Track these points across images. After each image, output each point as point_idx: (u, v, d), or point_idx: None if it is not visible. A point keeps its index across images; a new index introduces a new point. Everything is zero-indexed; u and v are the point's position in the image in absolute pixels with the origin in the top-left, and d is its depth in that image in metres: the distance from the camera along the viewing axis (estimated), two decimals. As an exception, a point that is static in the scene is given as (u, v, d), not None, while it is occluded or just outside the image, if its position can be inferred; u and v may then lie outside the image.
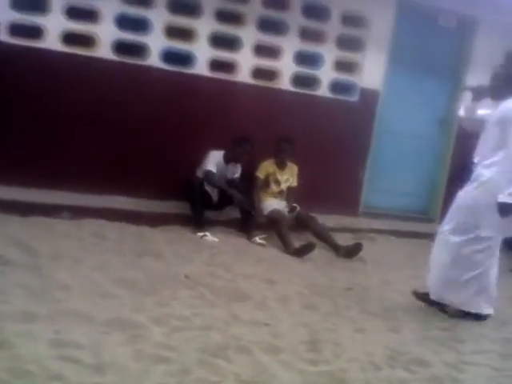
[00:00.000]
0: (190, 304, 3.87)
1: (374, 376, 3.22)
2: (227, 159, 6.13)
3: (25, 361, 2.77)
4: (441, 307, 4.51)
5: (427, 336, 3.96)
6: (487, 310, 4.49)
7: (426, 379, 3.30)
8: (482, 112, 4.81)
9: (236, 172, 6.27)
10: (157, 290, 4.00)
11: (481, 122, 4.65)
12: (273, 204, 6.20)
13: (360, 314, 4.20)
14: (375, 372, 3.28)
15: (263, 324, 3.71)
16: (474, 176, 4.50)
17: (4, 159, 5.60)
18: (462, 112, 4.91)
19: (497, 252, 4.46)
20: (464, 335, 4.08)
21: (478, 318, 4.45)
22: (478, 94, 4.81)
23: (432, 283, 4.56)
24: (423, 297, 4.62)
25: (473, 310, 4.45)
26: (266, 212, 6.13)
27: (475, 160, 4.59)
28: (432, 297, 4.55)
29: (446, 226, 4.55)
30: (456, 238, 4.41)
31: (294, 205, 6.24)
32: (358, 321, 4.05)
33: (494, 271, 4.47)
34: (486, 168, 4.38)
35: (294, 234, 6.00)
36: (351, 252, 5.86)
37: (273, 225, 6.03)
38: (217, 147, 6.07)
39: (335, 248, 5.96)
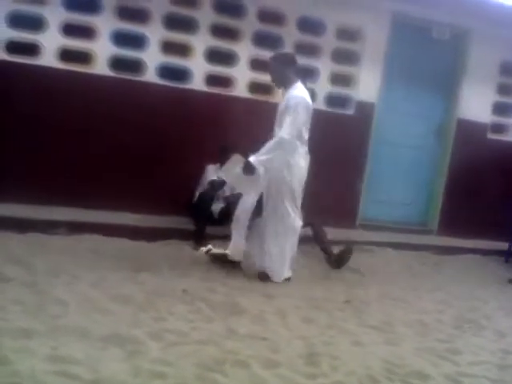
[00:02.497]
0: (188, 319, 3.87)
1: (372, 389, 3.22)
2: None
3: (22, 377, 2.78)
4: None
5: (425, 348, 3.94)
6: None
7: (424, 392, 3.30)
8: None
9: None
10: (154, 305, 3.99)
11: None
12: None
13: (358, 327, 4.19)
14: (373, 385, 3.27)
15: (260, 338, 3.70)
16: None
17: (1, 176, 5.61)
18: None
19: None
20: (462, 347, 4.07)
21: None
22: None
23: None
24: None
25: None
26: None
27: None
28: None
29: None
30: None
31: None
32: (356, 334, 4.04)
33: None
34: None
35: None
36: (342, 258, 5.86)
37: None
38: (215, 161, 6.12)
39: (328, 256, 5.97)
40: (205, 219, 5.88)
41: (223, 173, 5.15)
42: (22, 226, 5.24)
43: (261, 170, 4.94)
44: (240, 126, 6.46)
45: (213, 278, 4.86)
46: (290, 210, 5.05)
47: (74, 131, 5.93)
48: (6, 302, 3.68)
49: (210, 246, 5.63)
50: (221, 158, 6.08)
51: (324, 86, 7.02)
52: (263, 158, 4.92)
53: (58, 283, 4.16)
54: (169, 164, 6.12)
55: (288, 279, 5.13)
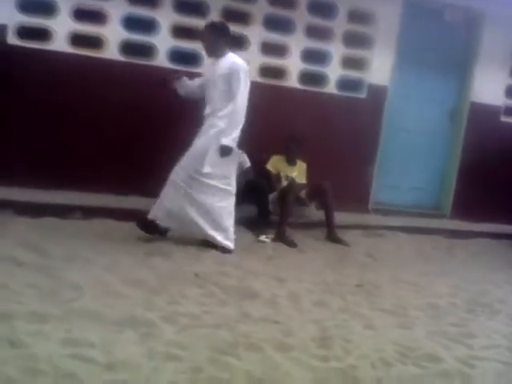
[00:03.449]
0: (201, 302, 3.89)
1: (385, 372, 3.22)
2: None
3: (37, 360, 2.80)
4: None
5: (438, 332, 3.94)
6: (224, 242, 5.12)
7: (437, 375, 3.29)
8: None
9: (245, 162, 6.32)
10: (167, 289, 4.02)
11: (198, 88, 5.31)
12: None
13: (370, 311, 4.19)
14: (386, 368, 3.27)
15: (273, 321, 3.71)
16: (208, 125, 5.10)
17: (15, 161, 5.65)
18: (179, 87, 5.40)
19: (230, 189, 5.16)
20: (475, 330, 4.06)
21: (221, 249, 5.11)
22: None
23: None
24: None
25: (211, 241, 5.11)
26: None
27: (207, 111, 5.14)
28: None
29: (181, 172, 5.07)
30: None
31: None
32: (369, 317, 4.05)
33: (221, 205, 5.11)
34: (219, 119, 5.04)
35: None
36: (336, 242, 6.08)
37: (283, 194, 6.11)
38: None
39: (328, 230, 6.16)
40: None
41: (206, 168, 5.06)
42: (36, 210, 5.27)
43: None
44: (250, 109, 6.44)
45: (225, 262, 4.87)
46: (231, 177, 5.19)
47: (88, 116, 5.94)
48: (20, 286, 3.71)
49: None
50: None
51: (336, 70, 6.98)
52: (234, 134, 5.02)
53: (71, 267, 4.18)
54: (180, 148, 6.10)
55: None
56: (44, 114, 5.81)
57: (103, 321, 3.36)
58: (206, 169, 5.03)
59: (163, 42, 6.24)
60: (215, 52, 5.17)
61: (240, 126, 5.04)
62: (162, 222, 5.12)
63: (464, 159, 7.68)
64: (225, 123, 5.03)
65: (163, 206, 5.07)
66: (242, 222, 6.06)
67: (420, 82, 7.51)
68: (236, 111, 5.01)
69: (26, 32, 5.80)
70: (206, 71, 5.35)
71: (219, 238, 5.13)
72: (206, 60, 5.41)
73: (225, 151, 5.02)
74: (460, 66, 7.67)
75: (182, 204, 5.04)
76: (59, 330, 3.16)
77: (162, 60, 6.22)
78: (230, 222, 5.19)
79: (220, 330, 3.46)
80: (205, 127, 5.14)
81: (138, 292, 3.90)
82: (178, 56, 6.31)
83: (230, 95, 5.03)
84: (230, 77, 5.02)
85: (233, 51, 5.23)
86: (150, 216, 5.10)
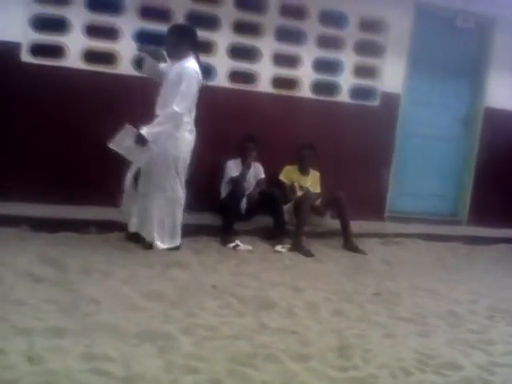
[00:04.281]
0: (218, 314, 3.89)
1: (404, 381, 3.19)
2: (243, 161, 6.26)
3: (56, 375, 2.80)
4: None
5: (458, 339, 3.90)
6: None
7: (457, 382, 3.25)
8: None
9: (259, 172, 6.38)
10: (185, 301, 4.02)
11: (158, 72, 5.29)
12: None
13: (389, 319, 4.17)
14: (406, 377, 3.24)
15: (291, 332, 3.70)
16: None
17: (31, 177, 5.70)
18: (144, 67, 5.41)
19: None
20: (495, 337, 4.02)
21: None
22: (155, 55, 5.30)
23: None
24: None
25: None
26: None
27: (157, 111, 5.13)
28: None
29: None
30: None
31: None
32: (388, 326, 4.02)
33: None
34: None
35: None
36: (353, 250, 6.07)
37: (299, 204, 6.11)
38: (235, 156, 6.28)
39: (345, 239, 6.15)
40: (234, 216, 5.90)
41: (114, 144, 4.98)
42: (52, 226, 5.31)
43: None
44: (264, 120, 6.49)
45: (242, 273, 4.87)
46: (173, 182, 5.18)
47: (104, 131, 5.97)
48: (38, 301, 3.73)
49: (237, 242, 5.67)
50: (241, 149, 6.15)
51: (348, 78, 6.99)
52: (155, 130, 5.00)
53: (89, 281, 4.21)
54: (196, 160, 6.12)
55: (176, 248, 5.29)
56: (57, 130, 5.85)
57: (121, 334, 3.36)
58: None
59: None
60: (175, 55, 5.18)
61: (165, 128, 5.02)
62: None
63: (479, 165, 7.65)
64: (179, 128, 5.12)
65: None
66: (258, 232, 6.08)
67: (433, 89, 7.49)
68: (172, 113, 5.01)
69: (39, 49, 5.87)
70: (164, 72, 5.25)
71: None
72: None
73: (139, 140, 4.94)
74: (473, 72, 7.64)
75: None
76: (78, 345, 3.16)
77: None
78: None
79: (238, 341, 3.46)
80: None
81: (155, 304, 3.91)
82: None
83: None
84: (179, 82, 5.04)
85: (197, 56, 5.25)
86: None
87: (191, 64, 5.12)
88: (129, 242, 5.31)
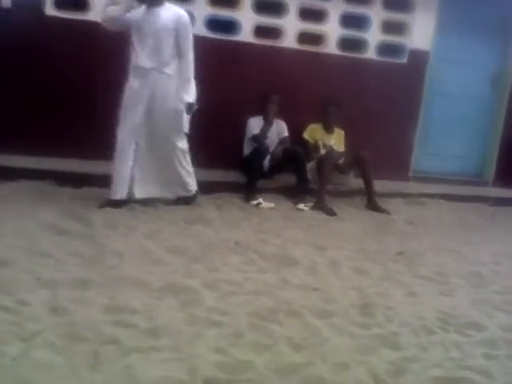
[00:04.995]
0: (241, 269, 3.90)
1: (427, 340, 3.18)
2: (265, 118, 6.19)
3: (80, 326, 2.84)
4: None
5: (481, 299, 3.87)
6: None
7: (480, 342, 3.24)
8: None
9: (283, 131, 6.31)
10: (208, 257, 4.04)
11: (124, 22, 4.87)
12: None
13: (412, 278, 4.15)
14: (428, 336, 3.24)
15: (313, 288, 3.70)
16: (156, 81, 4.89)
17: (55, 132, 5.71)
18: (104, 13, 4.92)
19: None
20: (519, 298, 3.99)
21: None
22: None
23: None
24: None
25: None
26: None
27: (144, 63, 4.86)
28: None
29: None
30: None
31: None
32: (410, 285, 4.01)
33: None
34: (169, 76, 4.90)
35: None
36: (376, 210, 6.03)
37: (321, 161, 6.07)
38: (257, 113, 6.21)
39: (369, 199, 6.12)
40: (257, 173, 5.88)
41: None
42: (77, 180, 5.35)
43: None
44: (290, 76, 6.40)
45: (264, 230, 4.87)
46: (179, 131, 5.11)
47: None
48: (63, 254, 3.78)
49: (260, 199, 5.66)
50: (265, 105, 6.09)
51: (376, 35, 6.84)
52: (193, 90, 4.95)
53: (114, 235, 4.24)
54: (218, 117, 6.08)
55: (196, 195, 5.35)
56: (83, 84, 5.82)
57: (145, 287, 3.39)
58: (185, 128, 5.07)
59: (201, 11, 6.18)
60: (155, 1, 4.85)
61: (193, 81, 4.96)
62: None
63: (507, 125, 7.50)
64: (176, 79, 4.93)
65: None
66: (281, 190, 6.06)
67: (463, 46, 7.29)
68: (190, 67, 4.91)
69: (63, 2, 5.81)
70: (140, 19, 4.85)
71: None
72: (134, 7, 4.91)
73: (191, 108, 4.96)
74: (504, 29, 7.43)
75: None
76: (101, 297, 3.20)
77: (200, 29, 6.16)
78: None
79: (260, 296, 3.47)
80: (149, 81, 4.89)
81: (178, 259, 3.93)
82: (216, 24, 6.26)
83: (176, 49, 4.89)
84: (178, 31, 4.85)
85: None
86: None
87: (181, 10, 4.92)
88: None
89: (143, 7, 4.87)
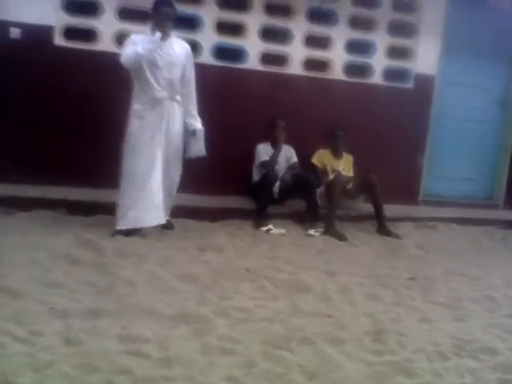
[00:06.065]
0: (252, 296, 3.90)
1: (441, 366, 3.16)
2: (273, 145, 6.25)
3: (93, 356, 2.83)
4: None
5: (494, 324, 3.85)
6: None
7: (494, 367, 3.21)
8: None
9: (292, 156, 6.35)
10: (219, 284, 4.04)
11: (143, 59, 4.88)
12: None
13: (424, 304, 4.13)
14: (442, 362, 3.21)
15: (326, 315, 3.69)
16: (170, 109, 5.07)
17: (65, 161, 5.77)
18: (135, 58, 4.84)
19: None
20: (533, 322, 3.96)
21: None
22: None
23: None
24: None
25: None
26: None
27: (161, 94, 4.99)
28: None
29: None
30: None
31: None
32: (423, 310, 3.99)
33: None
34: (179, 103, 5.13)
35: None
36: (387, 235, 6.02)
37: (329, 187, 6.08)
38: (265, 140, 6.27)
39: (379, 224, 6.11)
40: (267, 199, 5.90)
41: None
42: (88, 208, 5.38)
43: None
44: (296, 103, 6.45)
45: (275, 257, 4.87)
46: (180, 161, 5.24)
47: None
48: (76, 283, 3.79)
49: (270, 226, 5.67)
50: (272, 131, 6.13)
51: (381, 60, 6.90)
52: (198, 116, 5.25)
53: (125, 264, 4.25)
54: (228, 144, 6.12)
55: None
56: (91, 113, 5.88)
57: (157, 316, 3.39)
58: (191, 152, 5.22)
59: (208, 39, 6.26)
60: (171, 30, 5.00)
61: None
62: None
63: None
64: (183, 106, 5.14)
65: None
66: (291, 216, 6.07)
67: (468, 70, 7.33)
68: (194, 94, 5.19)
69: (72, 33, 5.92)
70: (151, 49, 4.86)
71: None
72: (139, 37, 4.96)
73: (200, 133, 5.19)
74: (508, 53, 7.47)
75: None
76: (114, 327, 3.20)
77: (206, 57, 6.24)
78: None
79: (273, 323, 3.46)
80: (164, 110, 5.02)
81: (190, 287, 3.93)
82: (223, 52, 6.35)
83: (182, 78, 5.10)
84: (186, 62, 5.11)
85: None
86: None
87: (183, 41, 5.19)
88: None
89: (155, 38, 4.88)
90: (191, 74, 5.16)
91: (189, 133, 5.18)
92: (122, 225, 4.93)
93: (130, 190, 4.94)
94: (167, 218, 5.23)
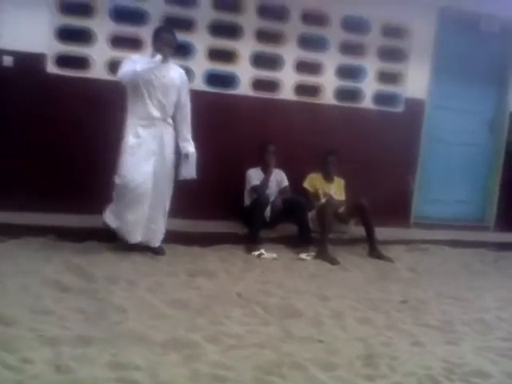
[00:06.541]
0: (244, 322, 3.88)
1: (432, 390, 3.16)
2: (264, 169, 6.27)
3: (83, 384, 2.81)
4: None
5: (486, 347, 3.84)
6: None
7: (486, 391, 3.21)
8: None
9: (283, 180, 6.37)
10: (210, 310, 4.03)
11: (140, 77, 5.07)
12: None
13: (416, 327, 4.12)
14: (434, 386, 3.21)
15: (317, 340, 3.68)
16: (161, 131, 5.22)
17: (56, 187, 5.77)
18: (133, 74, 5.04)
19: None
20: (525, 345, 3.96)
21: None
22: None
23: None
24: None
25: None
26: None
27: (154, 114, 5.15)
28: None
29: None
30: None
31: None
32: (415, 334, 3.98)
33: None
34: (170, 125, 5.30)
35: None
36: (379, 258, 6.03)
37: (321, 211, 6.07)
38: (255, 165, 6.30)
39: (371, 247, 6.12)
40: (259, 224, 5.90)
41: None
42: (79, 235, 5.37)
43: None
44: (287, 127, 6.50)
45: (267, 281, 4.86)
46: (171, 185, 5.36)
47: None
48: (66, 310, 3.77)
49: (262, 250, 5.67)
50: (262, 156, 6.17)
51: (371, 85, 6.97)
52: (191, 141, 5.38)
53: (116, 290, 4.24)
54: (220, 169, 6.14)
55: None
56: (84, 140, 5.89)
57: (148, 343, 3.38)
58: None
59: (200, 66, 6.32)
60: (167, 58, 5.18)
61: None
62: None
63: (506, 170, 7.56)
64: (178, 129, 5.31)
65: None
66: (283, 240, 6.07)
67: (458, 94, 7.41)
68: (189, 118, 5.35)
69: (64, 60, 5.95)
70: (151, 68, 5.06)
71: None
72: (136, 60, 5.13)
73: (193, 157, 5.31)
74: (498, 76, 7.56)
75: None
76: (105, 354, 3.18)
77: (198, 83, 6.29)
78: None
79: (264, 349, 3.45)
80: (157, 130, 5.18)
81: (181, 313, 3.92)
82: (215, 78, 6.40)
83: (176, 102, 5.26)
84: (182, 87, 5.28)
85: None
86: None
87: (181, 69, 5.38)
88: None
89: (154, 59, 5.06)
90: (186, 99, 5.31)
91: (182, 156, 5.29)
92: (112, 223, 5.20)
93: (125, 205, 5.12)
94: (158, 243, 5.27)
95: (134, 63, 5.01)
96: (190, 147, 5.31)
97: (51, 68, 5.93)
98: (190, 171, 5.32)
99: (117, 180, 5.12)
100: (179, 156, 5.32)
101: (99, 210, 5.30)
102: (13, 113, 5.77)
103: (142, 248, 5.26)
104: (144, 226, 5.19)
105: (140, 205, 5.13)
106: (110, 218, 5.22)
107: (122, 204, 5.13)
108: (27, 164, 5.82)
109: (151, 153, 5.14)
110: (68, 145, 5.87)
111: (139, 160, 5.09)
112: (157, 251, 5.26)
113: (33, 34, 5.82)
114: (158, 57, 5.02)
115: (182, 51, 6.18)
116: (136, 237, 5.17)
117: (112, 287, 4.30)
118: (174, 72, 5.24)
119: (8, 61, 5.79)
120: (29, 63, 5.83)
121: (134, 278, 4.52)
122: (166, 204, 5.30)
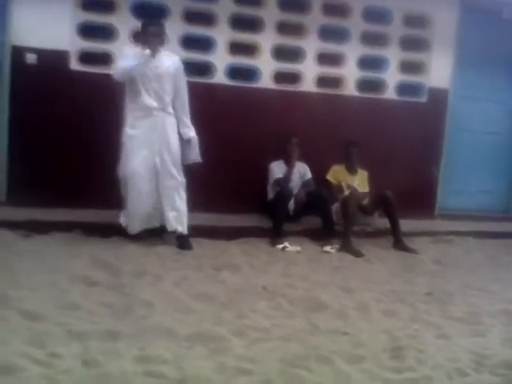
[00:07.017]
0: (269, 315, 3.89)
1: (460, 382, 3.13)
2: (287, 162, 6.26)
3: (111, 378, 2.84)
4: None
5: (513, 338, 3.82)
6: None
7: (514, 382, 3.19)
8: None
9: (306, 173, 6.36)
10: (235, 303, 4.04)
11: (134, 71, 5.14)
12: None
13: (442, 319, 4.10)
14: (462, 378, 3.18)
15: (343, 333, 3.67)
16: (162, 120, 5.26)
17: (83, 183, 5.83)
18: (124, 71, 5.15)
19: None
20: (554, 336, 3.91)
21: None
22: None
23: None
24: None
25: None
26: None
27: (151, 104, 5.19)
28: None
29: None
30: None
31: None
32: (441, 326, 3.95)
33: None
34: (170, 114, 5.32)
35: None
36: (404, 250, 5.98)
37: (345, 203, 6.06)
38: (277, 158, 6.29)
39: (395, 239, 6.07)
40: (283, 217, 5.90)
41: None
42: (106, 230, 5.42)
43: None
44: (311, 119, 6.49)
45: (291, 274, 4.87)
46: (179, 168, 5.37)
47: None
48: (93, 305, 3.80)
49: (286, 243, 5.67)
50: (285, 149, 6.15)
51: (394, 75, 6.92)
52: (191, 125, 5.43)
53: (142, 284, 4.27)
54: (245, 162, 6.16)
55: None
56: (108, 136, 5.93)
57: (174, 336, 3.40)
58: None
59: (221, 59, 6.33)
60: (160, 46, 5.25)
61: None
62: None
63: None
64: (174, 116, 5.32)
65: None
66: (307, 233, 6.07)
67: (482, 83, 7.34)
68: (187, 104, 5.36)
69: (87, 57, 6.01)
70: (141, 64, 5.12)
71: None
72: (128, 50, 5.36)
73: (195, 141, 5.37)
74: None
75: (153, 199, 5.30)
76: (132, 348, 3.21)
77: (220, 77, 6.30)
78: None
79: (290, 342, 3.45)
80: (157, 121, 5.23)
81: (207, 306, 3.94)
82: (236, 72, 6.41)
83: (173, 90, 5.29)
84: (177, 74, 5.29)
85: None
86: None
87: (175, 56, 5.41)
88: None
89: (145, 53, 5.15)
90: (182, 86, 5.35)
91: (184, 142, 5.35)
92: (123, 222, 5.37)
93: (125, 195, 5.28)
94: (186, 231, 5.36)
95: (127, 58, 5.14)
96: (190, 132, 5.37)
97: (74, 65, 5.98)
98: (195, 155, 5.40)
99: (119, 173, 5.26)
100: (183, 142, 5.39)
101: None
102: (37, 110, 5.83)
103: (170, 238, 5.43)
104: (160, 216, 5.34)
105: (139, 196, 5.22)
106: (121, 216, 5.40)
107: (125, 196, 5.29)
108: (54, 161, 5.90)
109: (150, 143, 5.20)
110: (94, 141, 5.90)
111: (136, 151, 5.18)
112: (184, 246, 5.30)
113: (56, 31, 5.87)
114: (147, 52, 5.11)
115: (203, 45, 6.21)
116: (135, 227, 5.32)
117: (138, 282, 4.33)
118: (167, 60, 5.27)
119: (32, 58, 5.85)
120: (52, 60, 5.88)
121: (160, 273, 4.56)
122: (181, 190, 5.32)
